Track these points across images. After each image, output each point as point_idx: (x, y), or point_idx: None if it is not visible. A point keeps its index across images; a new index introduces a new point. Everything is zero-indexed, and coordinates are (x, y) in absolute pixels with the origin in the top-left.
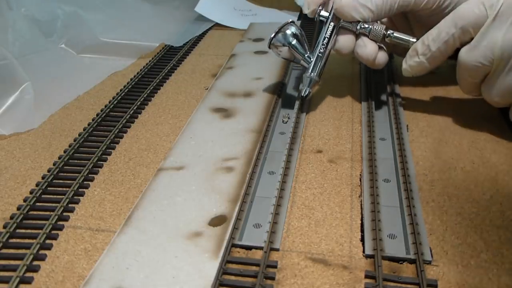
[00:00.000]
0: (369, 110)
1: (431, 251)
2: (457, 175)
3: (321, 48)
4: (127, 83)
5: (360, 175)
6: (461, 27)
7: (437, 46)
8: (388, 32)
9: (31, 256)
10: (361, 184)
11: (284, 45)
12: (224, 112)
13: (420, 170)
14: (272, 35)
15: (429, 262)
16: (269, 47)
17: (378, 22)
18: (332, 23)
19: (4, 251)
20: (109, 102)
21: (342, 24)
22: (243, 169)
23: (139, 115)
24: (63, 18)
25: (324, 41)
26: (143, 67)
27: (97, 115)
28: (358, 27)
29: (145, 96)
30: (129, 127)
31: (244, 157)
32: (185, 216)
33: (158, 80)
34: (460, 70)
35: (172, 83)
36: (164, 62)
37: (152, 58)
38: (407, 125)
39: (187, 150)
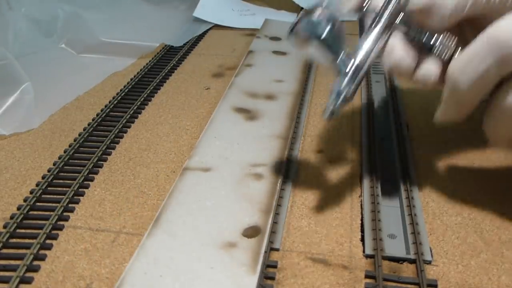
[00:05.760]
0: (369, 110)
1: (431, 251)
2: (457, 175)
3: (368, 53)
4: (127, 83)
5: (360, 175)
6: (503, 55)
7: (467, 84)
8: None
9: (31, 256)
10: (361, 184)
11: (311, 37)
12: (248, 114)
13: (420, 170)
14: (297, 20)
15: (429, 262)
16: (289, 35)
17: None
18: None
19: (4, 251)
20: (109, 102)
21: (399, 27)
22: (273, 177)
23: (139, 115)
24: (63, 18)
25: (373, 44)
26: (143, 67)
27: (97, 115)
28: (422, 36)
29: (145, 96)
30: (129, 127)
31: (272, 165)
32: (217, 223)
33: (158, 80)
34: (497, 115)
35: (172, 83)
36: (164, 62)
37: (152, 58)
38: (407, 125)
39: (212, 150)
